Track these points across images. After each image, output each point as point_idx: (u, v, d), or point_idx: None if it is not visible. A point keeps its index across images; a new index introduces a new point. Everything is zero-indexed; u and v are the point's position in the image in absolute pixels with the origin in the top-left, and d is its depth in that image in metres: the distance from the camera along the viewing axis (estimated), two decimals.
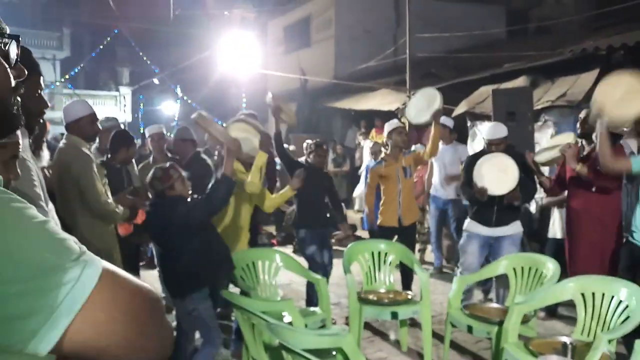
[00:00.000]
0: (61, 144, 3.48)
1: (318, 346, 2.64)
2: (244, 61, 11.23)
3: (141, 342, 0.74)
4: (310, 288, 4.73)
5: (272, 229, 8.89)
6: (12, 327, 0.65)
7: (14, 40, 0.84)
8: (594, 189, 3.99)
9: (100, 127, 3.56)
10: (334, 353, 2.74)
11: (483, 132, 4.49)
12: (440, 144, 6.21)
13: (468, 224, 4.51)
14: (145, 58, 11.93)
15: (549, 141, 4.52)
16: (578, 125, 4.23)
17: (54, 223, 0.72)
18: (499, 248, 4.32)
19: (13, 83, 0.83)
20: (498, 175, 4.11)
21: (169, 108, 15.14)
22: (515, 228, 4.37)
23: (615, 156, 3.32)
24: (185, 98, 12.16)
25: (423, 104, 4.87)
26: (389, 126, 5.01)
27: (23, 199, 0.73)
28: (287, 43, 15.85)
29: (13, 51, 0.84)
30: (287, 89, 14.60)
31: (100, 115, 3.81)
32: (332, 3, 13.97)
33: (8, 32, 0.85)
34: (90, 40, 19.01)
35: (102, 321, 0.69)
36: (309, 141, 5.33)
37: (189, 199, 3.24)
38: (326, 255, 4.75)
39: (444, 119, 6.44)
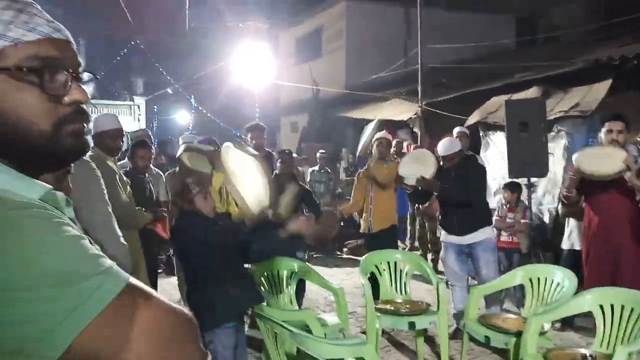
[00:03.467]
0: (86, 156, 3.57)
1: (340, 355, 2.69)
2: (257, 72, 11.35)
3: None
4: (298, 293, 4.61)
5: None
6: (28, 330, 0.66)
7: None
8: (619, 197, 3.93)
9: (126, 143, 3.64)
10: None
11: (438, 149, 4.64)
12: None
13: (442, 234, 4.67)
14: (160, 69, 12.09)
15: (585, 152, 4.20)
16: (607, 137, 3.94)
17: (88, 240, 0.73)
18: (475, 255, 4.47)
19: (68, 109, 0.80)
20: (417, 168, 4.46)
21: (183, 118, 15.31)
22: (483, 234, 4.48)
23: None
24: (199, 108, 12.30)
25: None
26: (376, 137, 5.25)
27: (62, 216, 0.75)
28: (298, 54, 16.00)
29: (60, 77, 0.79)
30: (299, 99, 14.74)
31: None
32: (343, 14, 14.11)
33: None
34: (105, 50, 19.29)
35: (114, 336, 0.68)
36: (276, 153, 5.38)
37: (212, 216, 3.01)
38: None
39: (461, 128, 6.57)
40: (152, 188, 4.40)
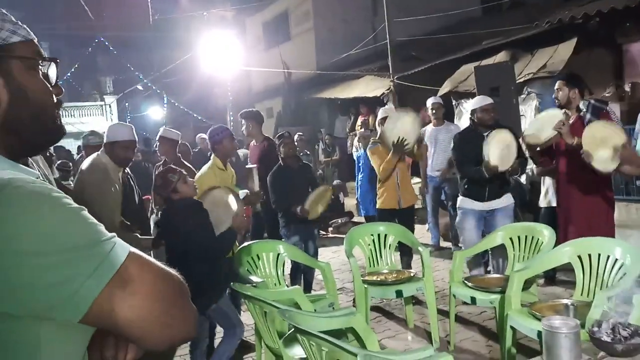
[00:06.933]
0: (91, 160, 3.51)
1: (331, 327, 2.73)
2: (225, 60, 11.23)
3: (166, 320, 0.80)
4: (295, 273, 4.72)
5: None
6: (48, 295, 0.72)
7: (53, 63, 0.94)
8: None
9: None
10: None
11: (469, 106, 4.59)
12: (431, 126, 6.38)
13: (461, 201, 4.57)
14: (128, 65, 11.89)
15: (535, 118, 4.46)
16: (554, 96, 4.23)
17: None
18: (493, 220, 4.42)
19: (55, 99, 0.93)
20: (502, 152, 4.22)
21: (156, 113, 15.08)
22: (507, 200, 4.48)
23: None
24: (172, 101, 12.15)
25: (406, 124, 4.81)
26: (382, 113, 5.16)
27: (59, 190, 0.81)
28: (266, 39, 15.85)
29: (53, 72, 0.94)
30: (272, 84, 14.64)
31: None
32: None
33: (46, 55, 0.94)
34: (70, 51, 18.83)
35: (128, 294, 0.76)
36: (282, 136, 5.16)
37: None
38: (311, 247, 4.68)
39: (435, 99, 6.56)
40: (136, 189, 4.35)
